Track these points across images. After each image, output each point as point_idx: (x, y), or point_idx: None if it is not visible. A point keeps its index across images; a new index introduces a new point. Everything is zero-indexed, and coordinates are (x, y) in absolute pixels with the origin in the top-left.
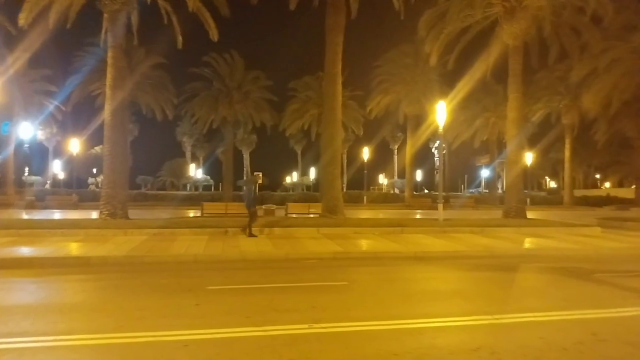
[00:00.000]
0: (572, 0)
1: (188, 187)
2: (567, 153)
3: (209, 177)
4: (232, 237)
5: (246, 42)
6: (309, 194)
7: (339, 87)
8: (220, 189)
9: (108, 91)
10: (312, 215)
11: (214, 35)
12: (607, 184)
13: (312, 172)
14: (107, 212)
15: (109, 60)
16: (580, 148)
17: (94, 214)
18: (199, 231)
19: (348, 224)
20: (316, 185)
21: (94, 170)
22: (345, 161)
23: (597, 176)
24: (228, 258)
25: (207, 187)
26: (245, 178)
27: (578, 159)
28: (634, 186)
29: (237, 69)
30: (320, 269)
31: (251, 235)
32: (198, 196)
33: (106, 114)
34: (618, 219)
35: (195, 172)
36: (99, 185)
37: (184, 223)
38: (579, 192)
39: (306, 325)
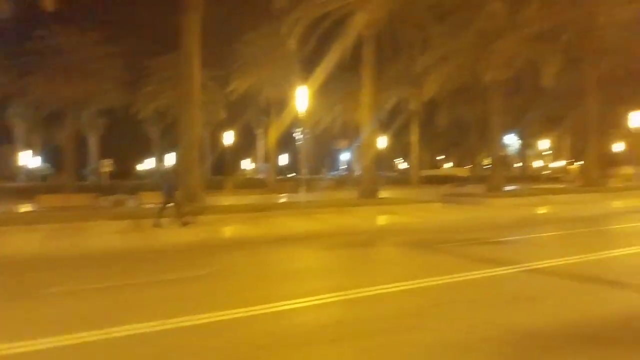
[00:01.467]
0: None
1: (19, 178)
2: (414, 137)
3: (50, 166)
4: (81, 232)
5: (98, 15)
6: None
7: (197, 67)
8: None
9: None
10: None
11: (47, 3)
12: (449, 164)
13: (171, 158)
14: None
15: None
16: (426, 132)
17: None
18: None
19: (209, 212)
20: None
21: None
22: (208, 146)
23: (440, 157)
24: (71, 255)
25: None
26: (160, 172)
27: (424, 142)
28: (468, 166)
29: (83, 43)
30: (180, 259)
31: (185, 223)
32: (30, 188)
33: None
34: (455, 194)
35: (30, 160)
36: None
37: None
38: (424, 172)
39: (158, 322)
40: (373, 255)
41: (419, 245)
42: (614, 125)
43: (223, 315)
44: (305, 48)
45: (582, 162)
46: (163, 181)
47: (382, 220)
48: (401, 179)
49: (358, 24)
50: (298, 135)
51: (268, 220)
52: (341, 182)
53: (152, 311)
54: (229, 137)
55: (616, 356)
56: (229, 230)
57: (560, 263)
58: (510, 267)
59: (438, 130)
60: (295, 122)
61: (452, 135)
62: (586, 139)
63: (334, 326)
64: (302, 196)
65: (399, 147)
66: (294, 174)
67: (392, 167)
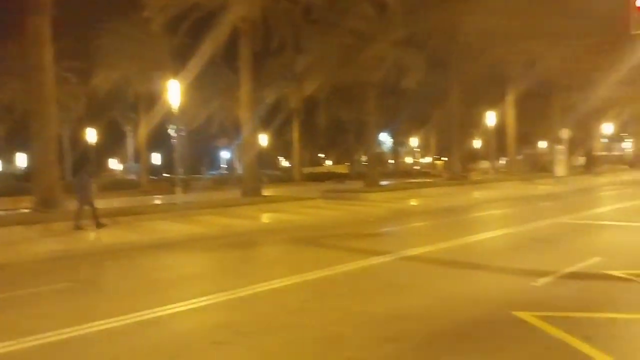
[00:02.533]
0: None
1: None
2: (295, 134)
3: None
4: None
5: None
6: (19, 185)
7: (48, 57)
8: None
9: None
10: (25, 211)
11: None
12: (330, 162)
13: (21, 159)
14: None
15: None
16: (306, 130)
17: None
18: None
19: (70, 218)
20: (29, 175)
21: None
22: (68, 145)
23: (321, 155)
24: None
25: None
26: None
27: (305, 140)
28: (347, 163)
29: None
30: (40, 273)
31: (100, 225)
32: None
33: None
34: (336, 190)
35: None
36: None
37: None
38: (306, 170)
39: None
40: (257, 254)
41: (303, 242)
42: (473, 124)
43: (96, 326)
44: (176, 40)
45: (447, 158)
46: (76, 182)
47: (265, 218)
48: (284, 177)
49: (232, 17)
50: (172, 132)
51: (143, 225)
52: (222, 182)
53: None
54: (92, 135)
55: (470, 334)
56: (95, 237)
57: (430, 250)
58: (386, 256)
59: (318, 128)
60: (169, 119)
61: (331, 133)
62: (450, 136)
63: (216, 328)
64: (179, 197)
65: (281, 145)
66: (170, 174)
67: (275, 165)
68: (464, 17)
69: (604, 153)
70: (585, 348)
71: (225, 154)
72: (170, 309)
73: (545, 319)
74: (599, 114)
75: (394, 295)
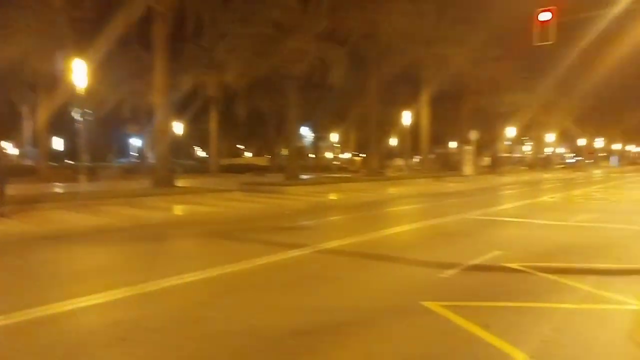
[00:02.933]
0: None
1: None
2: (213, 124)
3: None
4: None
5: None
6: None
7: None
8: None
9: None
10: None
11: None
12: (249, 154)
13: None
14: None
15: None
16: (225, 120)
17: None
18: None
19: None
20: None
21: None
22: None
23: (240, 146)
24: None
25: None
26: None
27: (223, 130)
28: (268, 155)
29: None
30: None
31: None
32: None
33: None
34: (255, 183)
35: None
36: None
37: None
38: (224, 161)
39: None
40: (168, 247)
41: (218, 235)
42: (390, 123)
43: None
44: (78, 13)
45: (365, 155)
46: None
47: (179, 210)
48: (200, 168)
49: None
50: (77, 116)
51: (40, 214)
52: (132, 171)
53: None
54: None
55: (379, 323)
56: None
57: (347, 243)
58: (303, 249)
59: (238, 119)
60: (74, 101)
61: (251, 124)
62: (368, 134)
63: (120, 324)
64: (83, 186)
65: (198, 135)
66: (73, 161)
67: (191, 155)
68: (383, 16)
69: (507, 155)
70: (484, 334)
71: (136, 142)
72: (69, 305)
73: (450, 308)
74: (504, 118)
75: (308, 288)
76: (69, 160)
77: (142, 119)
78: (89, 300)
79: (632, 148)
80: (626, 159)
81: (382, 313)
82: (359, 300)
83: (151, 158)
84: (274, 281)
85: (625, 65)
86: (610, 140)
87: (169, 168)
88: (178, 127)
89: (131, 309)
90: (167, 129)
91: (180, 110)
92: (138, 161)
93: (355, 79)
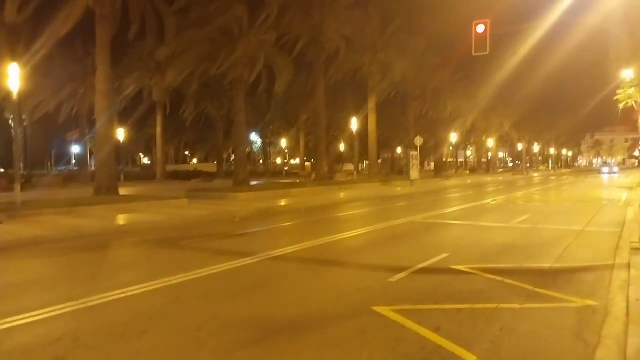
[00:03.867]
0: None
1: None
2: (158, 129)
3: None
4: None
5: None
6: None
7: None
8: None
9: None
10: None
11: None
12: (195, 160)
13: None
14: None
15: None
16: (171, 125)
17: None
18: None
19: None
20: None
21: None
22: None
23: (187, 152)
24: None
25: None
26: None
27: (169, 135)
28: (215, 161)
29: None
30: None
31: None
32: None
33: None
34: (202, 189)
35: None
36: None
37: None
38: (170, 167)
39: None
40: (111, 258)
41: (163, 244)
42: (339, 128)
43: None
44: (17, 16)
45: (314, 160)
46: None
47: (122, 219)
48: (145, 175)
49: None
50: (11, 121)
51: None
52: (70, 178)
53: None
54: None
55: (330, 329)
56: None
57: (296, 249)
58: (252, 256)
59: (185, 124)
60: (7, 105)
61: (199, 130)
62: (317, 139)
63: (59, 342)
64: (17, 195)
65: (143, 140)
66: (7, 169)
67: (135, 161)
68: (328, 23)
69: (450, 159)
70: (434, 337)
71: (76, 148)
72: (3, 324)
73: (400, 312)
74: (447, 124)
75: (257, 296)
76: (1, 168)
77: (83, 124)
78: (24, 318)
79: (565, 152)
80: (560, 162)
81: (333, 319)
82: (309, 307)
83: (93, 165)
84: (222, 291)
85: (557, 74)
86: (546, 144)
87: (112, 175)
88: (121, 133)
89: (71, 325)
90: (110, 135)
91: (124, 115)
92: (78, 168)
93: (303, 85)
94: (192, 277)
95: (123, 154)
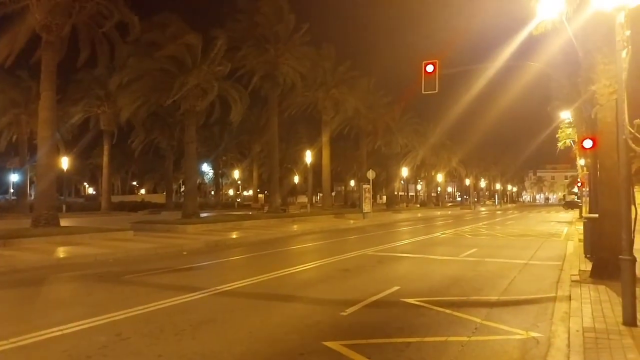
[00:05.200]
0: (100, 8)
1: None
2: (105, 159)
3: None
4: None
5: None
6: None
7: None
8: None
9: None
10: None
11: None
12: (143, 191)
13: None
14: None
15: None
16: (119, 155)
17: None
18: None
19: None
20: None
21: None
22: None
23: (135, 183)
24: None
25: None
26: None
27: (116, 166)
28: (165, 192)
29: None
30: None
31: None
32: None
33: None
34: (150, 222)
35: None
36: None
37: None
38: (117, 198)
39: None
40: (48, 294)
41: (105, 278)
42: (293, 161)
43: None
44: None
45: (267, 192)
46: None
47: (62, 252)
48: (88, 205)
49: (36, 25)
50: None
51: None
52: (7, 209)
53: None
54: None
55: None
56: None
57: (246, 284)
58: (200, 292)
59: (133, 154)
60: None
61: (148, 160)
62: (271, 171)
63: None
64: None
65: (87, 170)
66: None
67: (78, 192)
68: (282, 59)
69: (402, 193)
70: None
71: (15, 177)
72: None
73: (351, 347)
74: (398, 159)
75: (204, 334)
76: None
77: (24, 152)
78: None
79: (510, 188)
80: (506, 198)
81: (282, 356)
82: (259, 343)
83: (33, 195)
84: (167, 328)
85: (504, 114)
86: (492, 180)
87: (53, 206)
88: (66, 162)
89: None
90: (53, 164)
91: (69, 143)
92: (16, 198)
93: (257, 117)
94: (135, 313)
95: (67, 184)
